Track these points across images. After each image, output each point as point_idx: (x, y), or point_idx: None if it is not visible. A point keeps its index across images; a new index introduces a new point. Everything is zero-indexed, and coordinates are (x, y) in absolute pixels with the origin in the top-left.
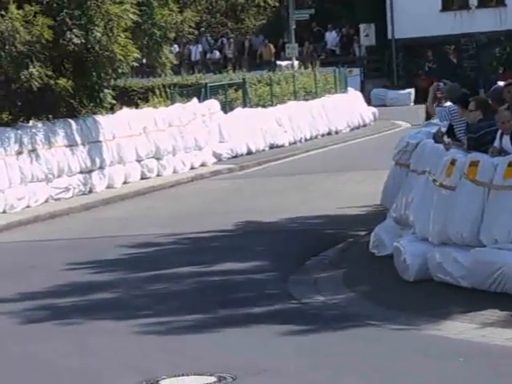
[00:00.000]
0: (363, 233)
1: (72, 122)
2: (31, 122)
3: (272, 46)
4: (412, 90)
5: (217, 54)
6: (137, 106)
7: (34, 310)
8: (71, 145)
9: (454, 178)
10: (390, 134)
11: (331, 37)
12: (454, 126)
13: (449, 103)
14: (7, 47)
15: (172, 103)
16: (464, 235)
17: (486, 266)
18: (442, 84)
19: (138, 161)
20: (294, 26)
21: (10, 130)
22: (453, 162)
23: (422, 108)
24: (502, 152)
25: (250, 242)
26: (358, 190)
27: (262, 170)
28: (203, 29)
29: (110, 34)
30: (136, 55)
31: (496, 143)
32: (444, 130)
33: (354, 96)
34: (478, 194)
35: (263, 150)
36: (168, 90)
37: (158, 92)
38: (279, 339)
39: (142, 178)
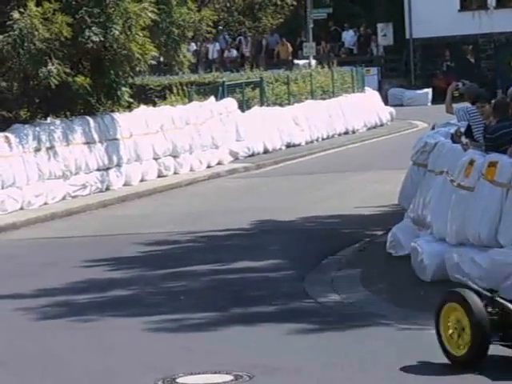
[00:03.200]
0: (380, 233)
1: (90, 119)
2: (49, 119)
3: (289, 44)
4: (429, 90)
5: (234, 52)
6: (154, 104)
7: (50, 306)
8: (89, 142)
9: (473, 179)
10: (407, 134)
11: (348, 36)
12: (472, 126)
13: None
14: (26, 44)
15: (189, 101)
16: (482, 236)
17: (503, 266)
18: (460, 84)
19: (155, 159)
20: (311, 25)
21: (28, 127)
22: (471, 163)
23: (439, 108)
24: None
25: (266, 241)
26: (375, 189)
27: (279, 168)
28: (221, 27)
29: (129, 33)
30: (154, 53)
31: None
32: (462, 130)
33: (372, 95)
34: (497, 195)
35: (280, 149)
36: (185, 88)
37: (175, 90)
38: (295, 338)
39: (159, 176)
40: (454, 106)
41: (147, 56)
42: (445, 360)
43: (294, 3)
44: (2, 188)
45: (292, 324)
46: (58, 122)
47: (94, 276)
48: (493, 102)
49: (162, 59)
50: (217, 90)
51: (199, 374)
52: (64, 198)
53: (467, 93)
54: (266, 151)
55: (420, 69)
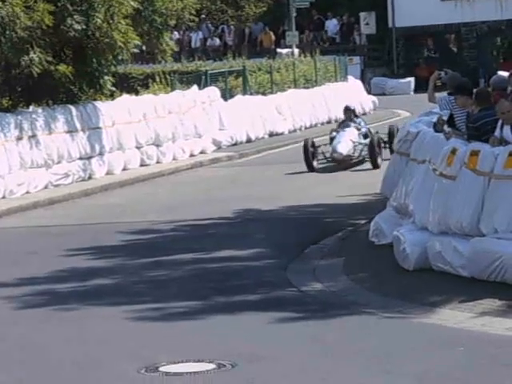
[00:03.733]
0: (363, 221)
1: (72, 108)
2: (31, 108)
3: (272, 33)
4: (412, 79)
5: (217, 41)
6: (137, 92)
7: (32, 295)
8: (71, 131)
9: (455, 168)
10: (389, 123)
11: (332, 25)
12: (455, 115)
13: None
14: (7, 32)
15: (172, 90)
16: (464, 224)
17: (485, 255)
18: (442, 73)
19: (138, 147)
20: (294, 14)
21: (10, 116)
22: (453, 152)
23: (422, 97)
24: (502, 142)
25: (249, 230)
26: (358, 178)
27: (262, 157)
28: (203, 16)
29: (111, 21)
30: (136, 42)
31: (497, 133)
32: (445, 118)
33: (354, 84)
34: (479, 184)
35: (263, 138)
36: (168, 76)
37: (158, 79)
38: (277, 326)
39: (142, 165)
40: (437, 94)
41: (130, 44)
42: (428, 347)
43: None
44: None
45: (275, 313)
46: (40, 110)
47: (77, 265)
48: (475, 90)
49: (144, 48)
50: (199, 79)
51: (182, 362)
52: (46, 187)
53: (449, 82)
54: (248, 140)
55: (403, 58)
